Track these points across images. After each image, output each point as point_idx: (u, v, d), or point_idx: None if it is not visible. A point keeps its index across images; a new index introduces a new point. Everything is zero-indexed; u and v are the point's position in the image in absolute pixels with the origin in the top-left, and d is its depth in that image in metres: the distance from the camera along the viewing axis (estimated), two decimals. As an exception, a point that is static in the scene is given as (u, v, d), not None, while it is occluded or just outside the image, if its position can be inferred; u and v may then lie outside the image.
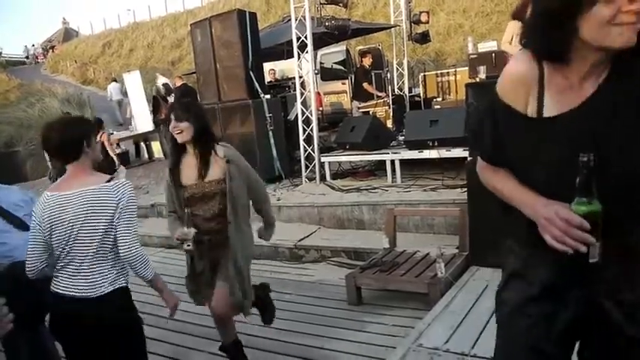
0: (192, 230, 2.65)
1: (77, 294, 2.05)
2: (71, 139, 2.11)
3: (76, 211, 2.03)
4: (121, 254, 2.07)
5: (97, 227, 2.03)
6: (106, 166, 8.06)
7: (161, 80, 13.36)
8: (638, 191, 1.18)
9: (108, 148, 8.34)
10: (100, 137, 8.26)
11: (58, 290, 2.09)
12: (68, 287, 2.07)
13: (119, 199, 2.05)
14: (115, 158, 8.47)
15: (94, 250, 2.05)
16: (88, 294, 2.04)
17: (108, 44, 30.01)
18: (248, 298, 2.88)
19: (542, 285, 1.31)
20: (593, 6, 1.08)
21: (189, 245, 2.65)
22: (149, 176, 9.80)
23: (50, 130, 2.13)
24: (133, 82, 13.47)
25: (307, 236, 5.71)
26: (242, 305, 2.86)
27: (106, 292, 2.05)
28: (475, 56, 7.57)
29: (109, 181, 2.09)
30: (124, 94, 15.33)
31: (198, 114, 2.77)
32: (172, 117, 2.70)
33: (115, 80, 17.82)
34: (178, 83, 10.72)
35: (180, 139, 2.71)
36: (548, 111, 1.21)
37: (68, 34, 36.79)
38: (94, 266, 2.06)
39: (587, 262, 1.15)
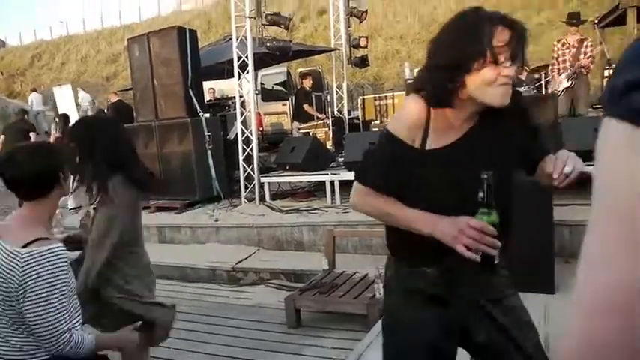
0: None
1: None
2: (45, 170, 1.73)
3: None
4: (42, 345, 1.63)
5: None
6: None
7: (82, 95, 12.96)
8: (506, 209, 1.44)
9: None
10: None
11: None
12: None
13: (23, 277, 1.57)
14: None
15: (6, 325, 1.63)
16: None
17: (38, 56, 28.64)
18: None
19: (430, 294, 1.53)
20: (481, 69, 1.34)
21: None
22: (79, 195, 9.34)
23: (16, 154, 1.75)
24: (64, 96, 12.94)
25: (246, 258, 5.61)
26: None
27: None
28: (412, 81, 7.85)
29: (26, 245, 1.61)
30: (53, 105, 14.70)
31: (81, 137, 2.40)
32: None
33: (35, 90, 17.05)
34: (113, 99, 10.39)
35: None
36: (430, 146, 1.46)
37: (-6, 44, 34.86)
38: (5, 335, 1.65)
39: (492, 263, 1.36)
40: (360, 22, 10.95)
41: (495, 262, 1.36)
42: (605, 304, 0.42)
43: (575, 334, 0.44)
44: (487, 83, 1.35)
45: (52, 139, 8.20)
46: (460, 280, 1.51)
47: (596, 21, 8.69)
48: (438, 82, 1.38)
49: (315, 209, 6.20)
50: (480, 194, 1.35)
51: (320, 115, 9.27)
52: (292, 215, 6.11)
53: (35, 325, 1.60)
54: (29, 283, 1.57)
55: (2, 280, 1.60)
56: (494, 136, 1.47)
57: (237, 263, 5.45)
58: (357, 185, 1.55)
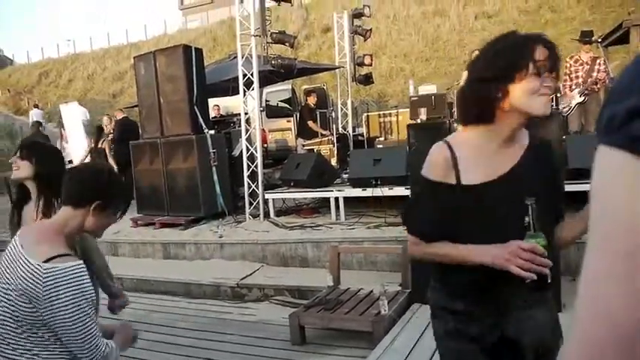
0: None
1: None
2: (99, 187, 1.76)
3: (9, 275, 1.63)
4: None
5: (13, 309, 1.61)
6: None
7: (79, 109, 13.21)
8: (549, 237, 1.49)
9: (108, 156, 8.80)
10: (102, 144, 8.90)
11: None
12: None
13: (46, 294, 1.56)
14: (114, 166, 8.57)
15: (17, 332, 1.62)
16: None
17: (45, 74, 29.00)
18: None
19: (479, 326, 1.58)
20: (523, 79, 1.40)
21: None
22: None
23: (98, 168, 1.88)
24: (71, 113, 13.05)
25: (250, 274, 5.59)
26: None
27: None
28: (416, 98, 7.88)
29: (48, 260, 1.59)
30: (60, 124, 14.90)
31: (44, 157, 2.39)
32: (18, 153, 2.40)
33: (36, 106, 17.45)
34: (119, 116, 10.45)
35: (14, 174, 2.39)
36: (466, 180, 1.52)
37: (2, 61, 35.30)
38: (19, 350, 1.63)
39: (546, 282, 1.41)
40: (365, 40, 11.07)
41: (548, 281, 1.41)
42: (607, 320, 0.42)
43: (576, 351, 0.45)
44: (531, 92, 1.41)
45: (85, 151, 9.44)
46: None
47: (600, 40, 8.74)
48: (481, 93, 1.45)
49: (320, 225, 6.19)
50: (526, 219, 1.42)
51: (324, 132, 9.31)
52: (297, 231, 6.11)
53: (69, 342, 1.61)
54: (53, 301, 1.57)
55: (25, 294, 1.58)
56: (533, 171, 1.54)
57: (241, 279, 5.44)
58: (408, 236, 1.64)
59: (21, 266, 1.61)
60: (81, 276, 1.61)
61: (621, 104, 0.42)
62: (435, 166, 1.56)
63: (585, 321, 0.44)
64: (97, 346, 1.64)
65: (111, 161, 8.80)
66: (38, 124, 11.03)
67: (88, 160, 9.17)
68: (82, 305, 1.60)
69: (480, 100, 1.47)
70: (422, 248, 1.60)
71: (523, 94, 1.41)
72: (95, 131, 9.43)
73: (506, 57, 1.43)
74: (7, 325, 1.64)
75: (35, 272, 1.58)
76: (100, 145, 9.13)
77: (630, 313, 0.41)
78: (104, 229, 1.87)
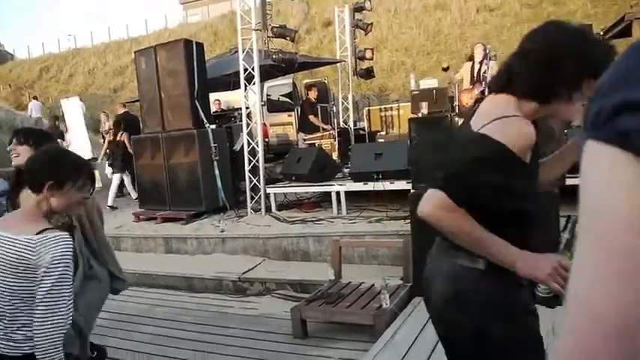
0: None
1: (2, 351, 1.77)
2: (46, 170, 1.86)
3: None
4: (33, 329, 1.72)
5: (10, 284, 1.75)
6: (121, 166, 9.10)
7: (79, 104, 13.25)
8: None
9: (128, 146, 8.96)
10: (120, 137, 9.20)
11: None
12: None
13: (37, 260, 1.71)
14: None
15: (12, 307, 1.77)
16: (10, 352, 1.76)
17: (46, 69, 28.94)
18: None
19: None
20: (585, 89, 1.37)
21: None
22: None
23: (43, 152, 2.00)
24: (72, 108, 13.02)
25: (252, 268, 5.61)
26: None
27: (30, 352, 1.75)
28: (417, 92, 7.87)
29: (39, 233, 1.76)
30: (62, 116, 14.92)
31: (40, 140, 2.49)
32: (14, 140, 2.49)
33: (35, 98, 17.55)
34: (120, 111, 10.45)
35: (15, 161, 2.46)
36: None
37: (2, 56, 35.23)
38: (16, 322, 1.77)
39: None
40: (366, 34, 11.02)
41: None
42: (597, 320, 0.42)
43: (570, 350, 0.44)
44: (582, 102, 1.39)
45: (105, 143, 9.90)
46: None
47: (601, 33, 8.71)
48: (568, 73, 1.36)
49: (321, 220, 6.20)
50: (567, 235, 1.42)
51: (326, 126, 9.30)
52: (298, 226, 6.12)
53: (46, 310, 1.70)
54: (44, 265, 1.70)
55: (17, 269, 1.73)
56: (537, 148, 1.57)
57: (243, 274, 5.46)
58: (441, 195, 1.45)
59: (9, 246, 1.76)
60: (69, 243, 1.78)
61: (608, 99, 0.42)
62: (523, 142, 1.41)
63: (576, 320, 0.44)
64: (70, 309, 1.74)
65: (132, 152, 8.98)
66: (55, 118, 11.23)
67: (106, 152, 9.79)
68: (68, 265, 1.75)
69: (560, 79, 1.38)
70: (456, 218, 1.43)
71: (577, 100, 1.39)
72: (115, 125, 9.76)
73: (598, 61, 1.33)
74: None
75: (28, 243, 1.74)
76: (118, 138, 9.31)
77: (623, 313, 0.40)
78: (75, 206, 1.99)
